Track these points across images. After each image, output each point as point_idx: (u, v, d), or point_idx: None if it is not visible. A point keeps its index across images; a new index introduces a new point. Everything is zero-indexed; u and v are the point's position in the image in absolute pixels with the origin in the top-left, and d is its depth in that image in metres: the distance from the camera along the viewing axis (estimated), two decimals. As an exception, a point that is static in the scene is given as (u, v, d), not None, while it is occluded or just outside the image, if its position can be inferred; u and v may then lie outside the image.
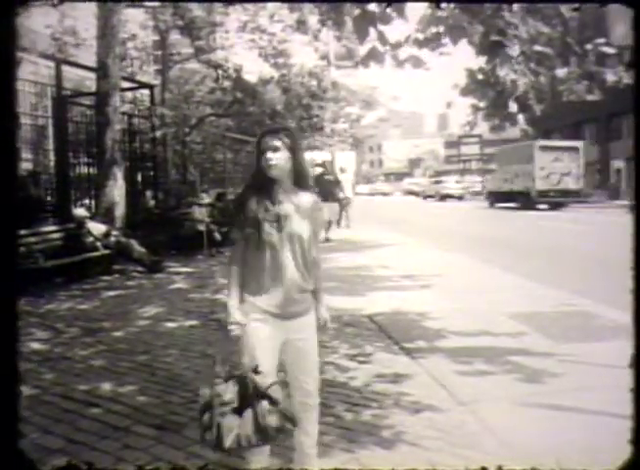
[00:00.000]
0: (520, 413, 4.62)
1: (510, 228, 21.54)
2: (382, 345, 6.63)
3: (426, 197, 58.57)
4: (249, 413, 2.90)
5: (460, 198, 52.87)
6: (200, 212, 15.93)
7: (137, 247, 12.50)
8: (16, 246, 2.76)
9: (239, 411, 2.91)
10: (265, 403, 2.91)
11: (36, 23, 22.38)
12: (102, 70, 13.38)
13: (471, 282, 10.34)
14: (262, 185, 3.22)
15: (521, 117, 6.48)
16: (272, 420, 2.90)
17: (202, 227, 15.31)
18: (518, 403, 4.80)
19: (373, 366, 5.87)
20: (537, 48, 5.92)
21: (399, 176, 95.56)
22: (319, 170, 19.30)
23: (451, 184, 56.63)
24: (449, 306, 8.38)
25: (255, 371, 2.98)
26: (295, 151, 3.20)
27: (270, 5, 22.08)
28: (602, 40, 5.90)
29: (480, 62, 6.38)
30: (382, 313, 8.04)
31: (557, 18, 5.76)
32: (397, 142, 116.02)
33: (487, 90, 6.39)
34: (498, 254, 14.16)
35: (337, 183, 18.27)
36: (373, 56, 5.70)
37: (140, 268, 12.41)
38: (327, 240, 17.03)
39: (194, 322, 7.82)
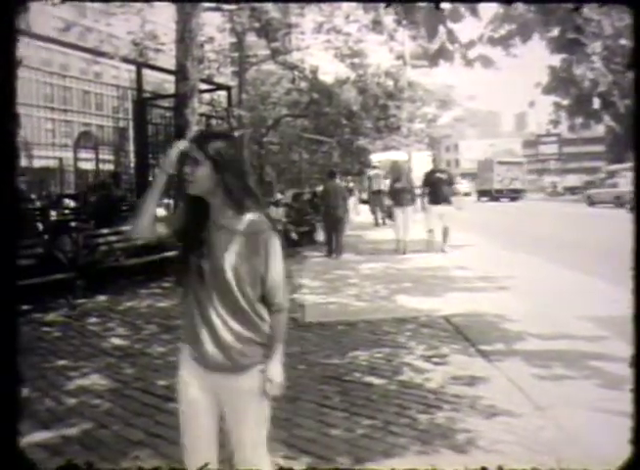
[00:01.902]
0: (600, 420, 4.47)
1: (584, 229, 20.94)
2: (458, 347, 6.55)
3: None
4: None
5: (466, 194, 67.55)
6: (276, 213, 15.96)
7: (214, 246, 12.64)
8: (16, 244, 2.78)
9: None
10: None
11: (119, 30, 23.08)
12: (180, 73, 13.61)
13: (546, 283, 10.09)
14: (193, 205, 2.62)
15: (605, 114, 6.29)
16: None
17: (278, 227, 15.26)
18: (598, 410, 4.65)
19: (449, 368, 5.81)
20: (623, 41, 5.72)
21: (475, 176, 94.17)
22: (430, 167, 16.32)
23: (459, 185, 72.39)
24: (526, 308, 8.20)
25: None
26: (222, 163, 2.51)
27: (345, 5, 22.09)
28: None
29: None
30: (458, 315, 7.94)
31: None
32: (474, 142, 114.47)
33: (570, 87, 6.22)
34: (569, 254, 13.76)
35: (449, 181, 15.18)
36: (442, 54, 5.60)
37: (217, 267, 12.55)
38: (442, 251, 14.63)
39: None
